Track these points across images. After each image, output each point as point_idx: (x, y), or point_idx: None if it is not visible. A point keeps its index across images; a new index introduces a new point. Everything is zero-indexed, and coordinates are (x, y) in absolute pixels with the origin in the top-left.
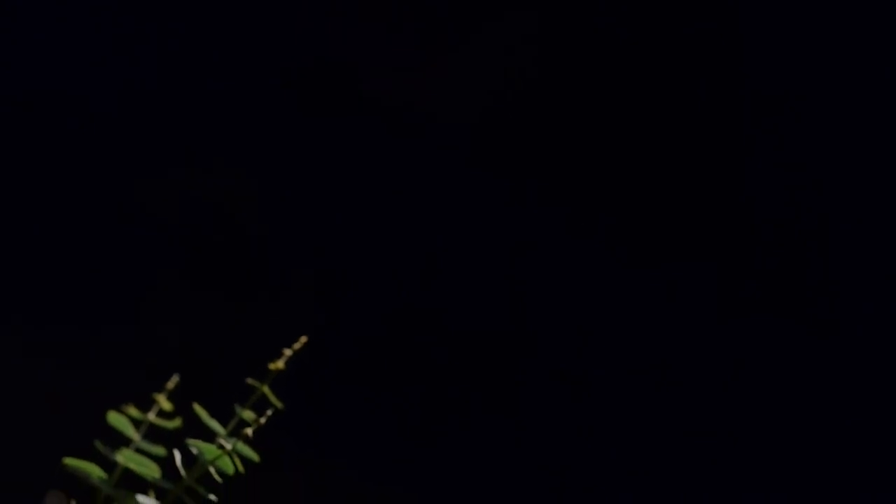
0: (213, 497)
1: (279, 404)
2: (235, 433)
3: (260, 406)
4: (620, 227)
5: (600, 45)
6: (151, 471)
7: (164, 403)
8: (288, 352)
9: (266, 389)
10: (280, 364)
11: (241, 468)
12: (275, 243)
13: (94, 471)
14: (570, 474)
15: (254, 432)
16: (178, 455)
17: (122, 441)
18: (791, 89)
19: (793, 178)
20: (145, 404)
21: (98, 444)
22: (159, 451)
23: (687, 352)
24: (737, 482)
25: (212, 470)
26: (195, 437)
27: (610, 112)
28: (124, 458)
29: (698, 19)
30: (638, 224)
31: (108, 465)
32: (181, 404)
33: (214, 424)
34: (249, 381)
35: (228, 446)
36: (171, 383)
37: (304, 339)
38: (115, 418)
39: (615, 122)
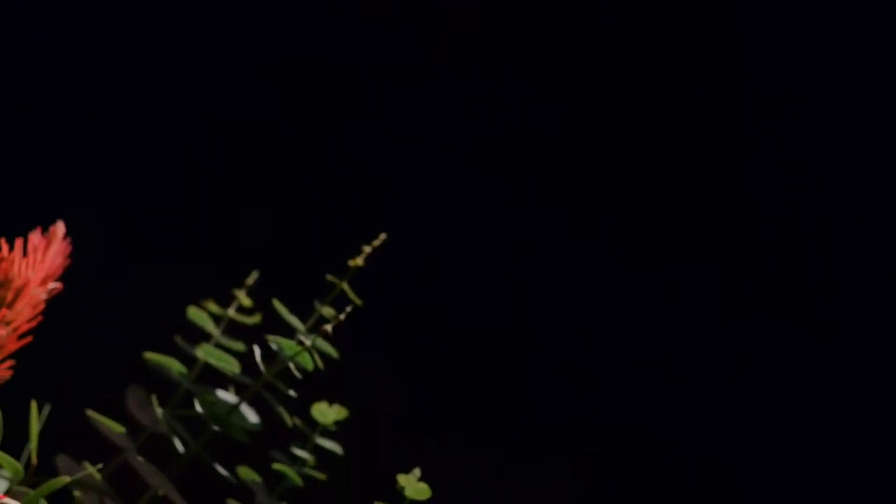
0: (292, 392)
1: (358, 301)
2: (315, 330)
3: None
4: (620, 227)
5: (600, 44)
6: (231, 366)
7: (244, 299)
8: (367, 248)
9: (345, 286)
10: (360, 261)
11: (320, 364)
12: (274, 243)
13: (175, 366)
14: (570, 473)
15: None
16: (257, 351)
17: (202, 337)
18: (791, 89)
19: (793, 178)
20: (225, 300)
21: (178, 340)
22: (239, 346)
23: (687, 352)
24: (735, 483)
25: (291, 366)
26: (275, 333)
27: (610, 112)
28: (204, 353)
29: (698, 19)
30: (638, 224)
31: (188, 360)
32: (260, 300)
33: (294, 320)
34: (329, 277)
35: (308, 342)
36: (251, 279)
37: (383, 236)
38: (194, 313)
39: (615, 122)
